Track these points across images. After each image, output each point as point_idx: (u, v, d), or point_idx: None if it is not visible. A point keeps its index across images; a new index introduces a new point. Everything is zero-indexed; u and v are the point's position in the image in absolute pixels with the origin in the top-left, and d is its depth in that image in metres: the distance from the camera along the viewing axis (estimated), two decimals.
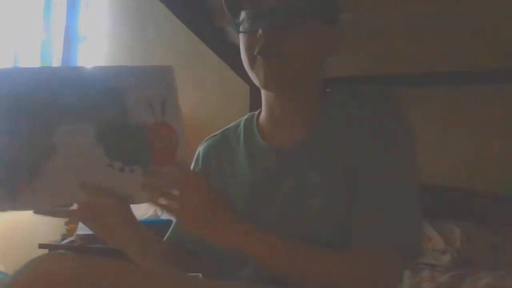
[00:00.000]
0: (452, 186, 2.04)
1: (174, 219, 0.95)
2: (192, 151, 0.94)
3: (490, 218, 1.88)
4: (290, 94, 0.79)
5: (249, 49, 0.76)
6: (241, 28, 0.77)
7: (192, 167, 0.92)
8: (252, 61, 0.76)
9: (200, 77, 2.39)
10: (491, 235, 1.76)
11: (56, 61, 2.31)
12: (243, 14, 0.77)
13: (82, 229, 1.88)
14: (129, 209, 0.77)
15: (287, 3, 0.73)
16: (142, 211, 1.98)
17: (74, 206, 0.74)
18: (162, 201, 0.68)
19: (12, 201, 0.64)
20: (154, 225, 1.82)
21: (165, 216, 1.93)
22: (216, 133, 0.94)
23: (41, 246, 1.95)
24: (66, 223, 2.13)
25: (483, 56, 1.94)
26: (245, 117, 0.92)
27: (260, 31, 0.72)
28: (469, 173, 2.07)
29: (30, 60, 2.28)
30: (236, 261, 0.79)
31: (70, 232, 2.07)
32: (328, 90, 0.85)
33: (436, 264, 1.65)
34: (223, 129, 0.94)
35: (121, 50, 2.60)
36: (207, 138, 0.95)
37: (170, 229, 0.93)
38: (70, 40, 2.34)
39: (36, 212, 0.69)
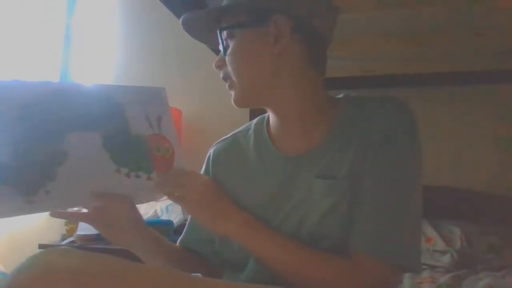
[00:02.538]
0: (452, 186, 2.04)
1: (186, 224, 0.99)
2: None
3: (490, 218, 1.87)
4: (274, 107, 0.82)
5: None
6: None
7: (203, 169, 0.94)
8: None
9: (200, 77, 2.39)
10: (491, 235, 1.76)
11: (57, 62, 2.31)
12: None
13: (82, 230, 1.88)
14: (136, 212, 0.81)
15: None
16: (142, 211, 1.98)
17: (84, 209, 0.78)
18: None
19: (28, 205, 0.66)
20: (154, 225, 1.82)
21: (165, 216, 1.93)
22: (227, 136, 0.94)
23: (41, 246, 1.95)
24: (66, 224, 2.12)
25: (482, 56, 1.94)
26: (256, 120, 0.91)
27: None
28: (469, 174, 2.07)
29: (30, 63, 2.28)
30: (237, 263, 0.80)
31: (70, 232, 2.07)
32: (337, 97, 0.83)
33: (436, 264, 1.65)
34: (233, 132, 0.94)
35: (121, 51, 2.60)
36: (218, 141, 0.95)
37: (183, 233, 0.96)
38: (70, 41, 2.34)
39: (52, 215, 0.74)
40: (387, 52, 1.99)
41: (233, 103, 0.81)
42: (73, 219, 0.83)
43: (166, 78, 2.51)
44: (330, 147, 0.77)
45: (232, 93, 0.80)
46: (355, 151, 0.75)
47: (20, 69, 2.26)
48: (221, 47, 0.79)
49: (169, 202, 1.99)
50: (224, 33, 0.77)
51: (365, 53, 2.02)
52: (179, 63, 2.49)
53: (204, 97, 2.40)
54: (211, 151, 0.94)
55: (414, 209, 0.73)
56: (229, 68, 0.78)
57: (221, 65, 0.80)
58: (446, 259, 1.66)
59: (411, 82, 2.14)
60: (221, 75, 0.81)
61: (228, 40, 0.77)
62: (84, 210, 0.78)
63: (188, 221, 0.96)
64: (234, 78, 0.78)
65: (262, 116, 0.91)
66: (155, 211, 2.00)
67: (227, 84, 0.81)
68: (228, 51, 0.77)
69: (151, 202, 2.06)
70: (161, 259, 0.86)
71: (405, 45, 1.88)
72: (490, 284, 1.39)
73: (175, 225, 1.80)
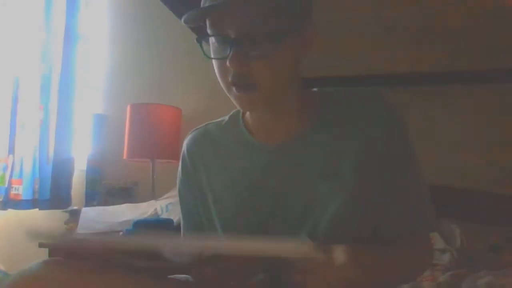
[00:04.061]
0: (451, 185, 2.04)
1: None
2: None
3: (490, 218, 1.87)
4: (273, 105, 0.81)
5: (221, 75, 0.75)
6: (211, 54, 0.75)
7: (179, 165, 0.93)
8: (227, 87, 0.76)
9: (200, 76, 2.39)
10: (491, 234, 1.76)
11: (56, 60, 2.31)
12: (211, 39, 0.75)
13: (82, 229, 1.88)
14: None
15: (250, 29, 0.70)
16: (142, 210, 1.98)
17: None
18: None
19: None
20: (154, 224, 1.82)
21: (165, 215, 1.94)
22: (199, 126, 0.94)
23: (41, 245, 1.94)
24: (66, 223, 2.13)
25: (482, 56, 1.94)
26: (231, 113, 0.91)
27: (227, 62, 0.71)
28: (469, 173, 2.06)
29: (30, 59, 2.27)
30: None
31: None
32: (315, 89, 0.85)
33: (436, 263, 1.65)
34: (206, 123, 0.94)
35: (120, 50, 2.60)
36: (190, 132, 0.95)
37: (182, 227, 0.97)
38: (70, 39, 2.33)
39: None
40: (387, 52, 1.99)
41: (248, 108, 0.78)
42: None
43: (165, 77, 2.51)
44: (309, 138, 0.79)
45: (246, 96, 0.74)
46: (341, 141, 0.77)
47: (19, 67, 2.27)
48: (249, 48, 0.71)
49: (169, 201, 1.99)
50: (265, 35, 0.70)
51: (364, 53, 2.02)
52: (178, 62, 2.49)
53: (203, 95, 2.40)
54: (184, 145, 0.93)
55: (425, 182, 0.82)
56: (264, 70, 0.71)
57: (242, 66, 0.71)
58: (446, 258, 1.66)
59: (410, 82, 2.14)
60: (238, 78, 0.73)
61: (267, 43, 0.70)
62: None
63: (181, 215, 0.97)
64: (265, 82, 0.72)
65: (237, 109, 0.89)
66: (155, 209, 2.00)
67: (238, 87, 0.74)
68: (268, 54, 0.71)
69: (151, 201, 2.06)
70: None
71: (404, 45, 1.88)
72: (489, 283, 1.39)
73: (175, 224, 1.80)
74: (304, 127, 0.80)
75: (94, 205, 2.24)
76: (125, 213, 1.95)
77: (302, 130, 0.80)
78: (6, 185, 2.17)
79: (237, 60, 0.70)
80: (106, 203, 2.24)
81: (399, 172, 0.78)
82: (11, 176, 2.19)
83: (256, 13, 0.69)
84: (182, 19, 0.73)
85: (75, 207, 2.17)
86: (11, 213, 2.22)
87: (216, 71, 0.76)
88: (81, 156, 2.46)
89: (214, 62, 0.76)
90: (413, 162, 0.80)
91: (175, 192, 2.07)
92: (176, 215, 1.86)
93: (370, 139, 0.76)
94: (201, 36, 0.75)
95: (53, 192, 2.21)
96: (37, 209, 2.20)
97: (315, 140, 0.79)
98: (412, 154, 0.80)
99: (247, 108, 0.78)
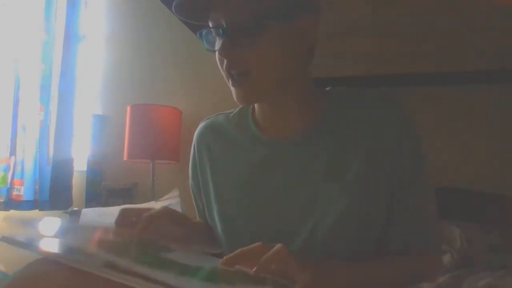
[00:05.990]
0: (452, 186, 2.04)
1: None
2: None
3: (490, 218, 1.87)
4: (271, 100, 0.80)
5: (220, 68, 0.75)
6: (206, 46, 0.76)
7: (191, 156, 0.94)
8: (227, 81, 0.76)
9: (200, 77, 2.39)
10: (491, 235, 1.76)
11: (56, 61, 2.30)
12: (204, 32, 0.75)
13: None
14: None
15: (236, 17, 0.70)
16: None
17: None
18: None
19: None
20: None
21: None
22: (210, 116, 0.95)
23: None
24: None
25: (482, 56, 1.94)
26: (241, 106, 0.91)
27: (217, 53, 0.72)
28: (469, 174, 2.06)
29: (30, 60, 2.27)
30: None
31: None
32: (327, 88, 0.84)
33: None
34: (217, 113, 0.95)
35: (120, 50, 2.60)
36: (202, 121, 0.95)
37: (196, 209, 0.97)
38: (70, 40, 2.33)
39: None
40: (387, 52, 1.99)
41: (242, 100, 0.76)
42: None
43: (165, 78, 2.51)
44: (316, 136, 0.78)
45: (241, 88, 0.74)
46: (349, 140, 0.76)
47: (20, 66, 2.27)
48: (239, 36, 0.71)
49: (169, 201, 1.99)
50: (249, 22, 0.69)
51: (365, 52, 2.02)
52: (178, 62, 2.49)
53: (203, 96, 2.40)
54: (194, 136, 0.94)
55: (434, 196, 0.79)
56: (254, 60, 0.71)
57: (230, 54, 0.71)
58: (446, 259, 1.66)
59: (411, 81, 2.14)
60: (229, 67, 0.73)
61: (255, 30, 0.70)
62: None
63: (193, 200, 0.97)
64: (256, 69, 0.72)
65: None
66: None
67: (232, 79, 0.74)
68: (255, 41, 0.70)
69: (151, 202, 2.06)
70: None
71: (405, 44, 1.88)
72: (489, 284, 1.39)
73: None
74: (311, 125, 0.79)
75: (94, 206, 2.24)
76: None
77: (309, 127, 0.79)
78: (8, 186, 2.17)
79: (224, 47, 0.71)
80: (106, 204, 2.24)
81: (408, 185, 0.75)
82: (13, 177, 2.19)
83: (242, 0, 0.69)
84: (173, 7, 0.73)
85: (76, 208, 2.17)
86: (10, 213, 2.22)
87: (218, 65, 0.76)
88: (82, 157, 2.46)
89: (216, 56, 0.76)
90: (422, 178, 0.77)
91: (175, 193, 2.08)
92: None
93: (382, 146, 0.74)
94: (202, 29, 0.75)
95: (53, 193, 2.21)
96: (37, 210, 2.20)
97: (321, 139, 0.77)
98: (423, 169, 0.77)
99: (242, 101, 0.76)
